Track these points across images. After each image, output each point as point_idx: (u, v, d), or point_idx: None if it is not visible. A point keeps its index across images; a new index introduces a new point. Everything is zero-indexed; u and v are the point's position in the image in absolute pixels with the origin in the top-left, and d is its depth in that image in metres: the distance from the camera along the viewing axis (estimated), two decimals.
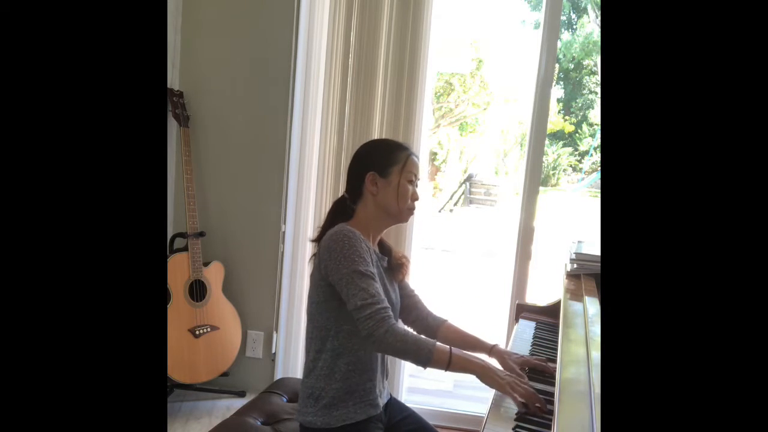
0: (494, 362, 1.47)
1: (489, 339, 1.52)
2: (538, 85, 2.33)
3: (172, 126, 2.41)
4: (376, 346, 1.25)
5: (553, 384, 1.32)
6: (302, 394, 1.39)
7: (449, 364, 1.24)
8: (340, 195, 1.50)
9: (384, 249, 1.49)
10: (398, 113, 2.30)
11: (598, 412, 0.92)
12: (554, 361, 1.38)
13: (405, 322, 1.57)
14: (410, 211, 1.44)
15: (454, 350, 1.26)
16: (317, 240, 1.42)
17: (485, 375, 1.24)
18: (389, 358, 1.48)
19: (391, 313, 1.27)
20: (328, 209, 1.49)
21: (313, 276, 1.38)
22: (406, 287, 1.55)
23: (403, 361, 2.43)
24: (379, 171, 1.40)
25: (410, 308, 1.55)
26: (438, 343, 1.26)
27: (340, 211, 1.45)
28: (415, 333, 1.30)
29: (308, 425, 1.34)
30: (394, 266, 1.48)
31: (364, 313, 1.23)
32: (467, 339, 1.52)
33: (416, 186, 1.45)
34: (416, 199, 1.44)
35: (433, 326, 1.54)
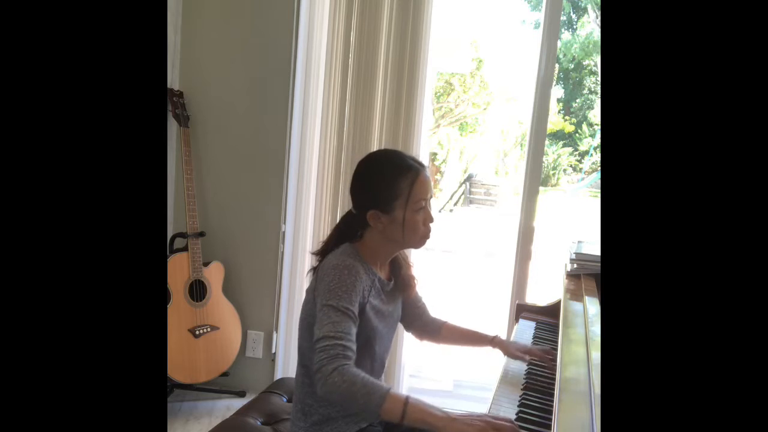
0: (497, 352, 1.50)
1: (489, 331, 1.54)
2: (538, 85, 2.33)
3: (172, 126, 2.41)
4: (320, 384, 1.10)
5: (553, 378, 1.32)
6: (294, 406, 1.36)
7: (403, 415, 1.06)
8: (340, 201, 1.41)
9: (394, 268, 1.41)
10: (398, 113, 2.30)
11: (598, 412, 0.92)
12: (554, 361, 1.38)
13: (409, 331, 1.57)
14: (424, 237, 1.31)
15: (412, 401, 1.07)
16: (318, 254, 1.35)
17: (449, 428, 1.05)
18: (387, 360, 1.45)
19: (351, 354, 1.14)
20: (329, 217, 1.39)
21: (308, 292, 1.31)
22: (414, 297, 1.51)
23: (402, 361, 2.43)
24: (380, 208, 1.26)
25: (415, 317, 1.54)
26: (392, 392, 1.09)
27: (348, 228, 1.35)
28: (369, 378, 1.11)
29: None
30: (401, 286, 1.42)
31: (321, 345, 1.13)
32: (468, 335, 1.54)
33: (429, 207, 1.31)
34: (429, 222, 1.30)
35: (434, 331, 1.54)
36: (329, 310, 1.18)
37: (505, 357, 1.52)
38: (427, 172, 1.31)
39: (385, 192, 1.27)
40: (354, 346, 1.17)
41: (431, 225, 1.32)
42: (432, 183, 1.32)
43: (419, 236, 1.30)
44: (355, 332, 1.20)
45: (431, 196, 1.33)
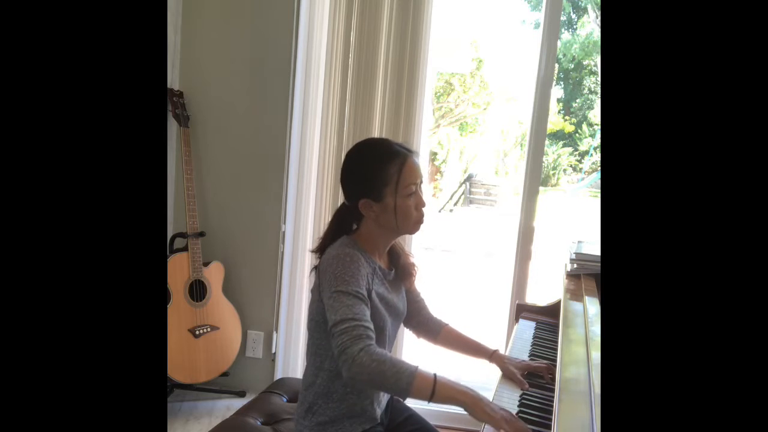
0: (494, 368, 1.46)
1: (489, 344, 1.51)
2: (538, 85, 2.33)
3: (172, 126, 2.41)
4: (347, 366, 1.09)
5: (552, 389, 1.32)
6: (300, 404, 1.36)
7: (433, 393, 1.09)
8: (340, 201, 1.41)
9: (393, 257, 1.41)
10: (398, 113, 2.30)
11: (598, 412, 0.92)
12: (554, 361, 1.38)
13: (407, 326, 1.55)
14: (418, 222, 1.31)
15: (440, 377, 1.11)
16: (317, 251, 1.35)
17: (476, 407, 1.08)
18: None
19: (372, 334, 1.14)
20: (329, 216, 1.40)
21: (313, 292, 1.31)
22: (413, 292, 1.51)
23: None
24: (371, 197, 1.27)
25: (413, 313, 1.52)
26: (421, 368, 1.10)
27: (343, 221, 1.36)
28: (395, 357, 1.12)
29: None
30: (402, 275, 1.42)
31: (340, 328, 1.12)
32: (468, 343, 1.51)
33: (420, 191, 1.31)
34: (422, 206, 1.31)
35: (433, 331, 1.53)
36: (339, 295, 1.17)
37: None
38: (415, 157, 1.31)
39: (374, 179, 1.27)
40: (372, 326, 1.17)
41: (424, 210, 1.32)
42: (421, 168, 1.32)
43: (413, 222, 1.30)
44: (369, 315, 1.19)
45: (421, 181, 1.32)
